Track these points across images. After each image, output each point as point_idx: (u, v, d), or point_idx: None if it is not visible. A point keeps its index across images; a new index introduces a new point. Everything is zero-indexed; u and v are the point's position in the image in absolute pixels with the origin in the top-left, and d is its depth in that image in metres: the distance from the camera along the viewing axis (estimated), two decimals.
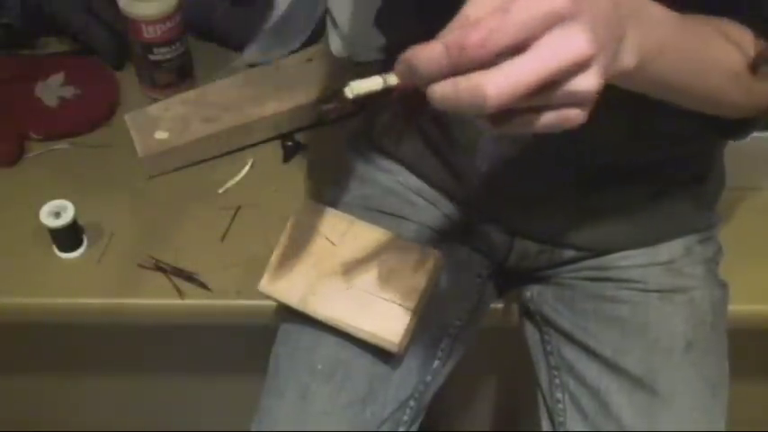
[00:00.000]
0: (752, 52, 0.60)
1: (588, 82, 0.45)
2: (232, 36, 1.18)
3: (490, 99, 0.43)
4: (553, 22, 0.44)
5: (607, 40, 0.46)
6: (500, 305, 0.97)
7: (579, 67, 0.44)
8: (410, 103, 0.49)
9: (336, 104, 0.50)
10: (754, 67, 0.60)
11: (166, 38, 1.06)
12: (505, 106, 0.44)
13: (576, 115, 0.46)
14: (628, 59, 0.50)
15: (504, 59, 0.44)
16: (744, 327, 0.94)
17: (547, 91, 0.45)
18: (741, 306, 0.92)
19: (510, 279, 0.93)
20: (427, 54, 0.44)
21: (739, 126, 0.68)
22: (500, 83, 0.43)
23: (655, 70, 0.54)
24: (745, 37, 0.61)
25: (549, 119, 0.46)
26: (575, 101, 0.46)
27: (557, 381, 0.85)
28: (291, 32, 0.54)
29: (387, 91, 0.47)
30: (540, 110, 0.46)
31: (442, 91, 0.44)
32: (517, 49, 0.44)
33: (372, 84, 0.48)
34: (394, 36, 0.88)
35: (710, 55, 0.59)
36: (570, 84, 0.45)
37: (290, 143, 1.08)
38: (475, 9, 0.45)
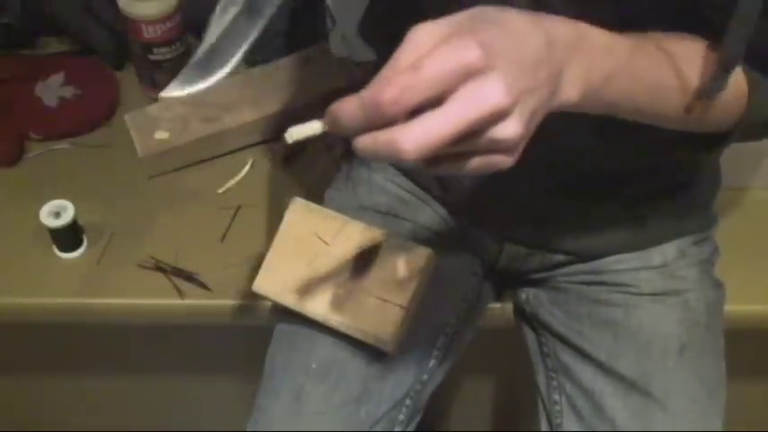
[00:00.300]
0: (696, 78, 0.59)
1: (508, 130, 0.46)
2: None
3: (406, 153, 0.44)
4: (466, 75, 0.44)
5: (532, 85, 0.47)
6: (499, 305, 0.97)
7: (497, 117, 0.45)
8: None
9: (282, 145, 0.51)
10: (700, 96, 0.59)
11: (166, 38, 1.06)
12: (424, 158, 0.45)
13: (501, 160, 0.48)
14: (569, 93, 0.51)
15: (422, 112, 0.44)
16: (741, 327, 0.94)
17: (468, 139, 0.46)
18: (738, 306, 0.92)
19: (506, 280, 0.93)
20: (347, 109, 0.45)
21: (713, 141, 0.67)
22: (415, 138, 0.44)
23: (605, 96, 0.54)
24: (703, 56, 0.60)
25: (475, 164, 0.48)
26: (497, 148, 0.47)
27: (554, 383, 0.85)
28: (215, 65, 0.55)
29: (326, 134, 0.49)
30: (466, 155, 0.47)
31: (363, 144, 0.46)
32: (435, 101, 0.45)
33: (311, 129, 0.49)
34: (377, 46, 0.88)
35: (665, 79, 0.59)
36: (490, 132, 0.46)
37: (280, 140, 1.08)
38: (405, 57, 0.46)
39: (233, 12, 0.55)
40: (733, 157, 0.68)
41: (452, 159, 0.48)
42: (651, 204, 0.83)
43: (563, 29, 0.51)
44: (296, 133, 0.50)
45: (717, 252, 0.89)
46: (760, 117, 0.64)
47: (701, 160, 0.84)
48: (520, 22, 0.48)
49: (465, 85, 0.44)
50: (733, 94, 0.61)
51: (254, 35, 0.56)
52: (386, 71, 0.46)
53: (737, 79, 0.61)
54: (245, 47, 0.55)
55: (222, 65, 0.55)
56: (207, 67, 0.55)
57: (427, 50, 0.45)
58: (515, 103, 0.45)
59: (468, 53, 0.44)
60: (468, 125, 0.44)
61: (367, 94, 0.45)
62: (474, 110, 0.44)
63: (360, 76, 1.07)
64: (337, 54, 1.11)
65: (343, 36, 1.09)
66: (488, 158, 0.47)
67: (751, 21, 0.55)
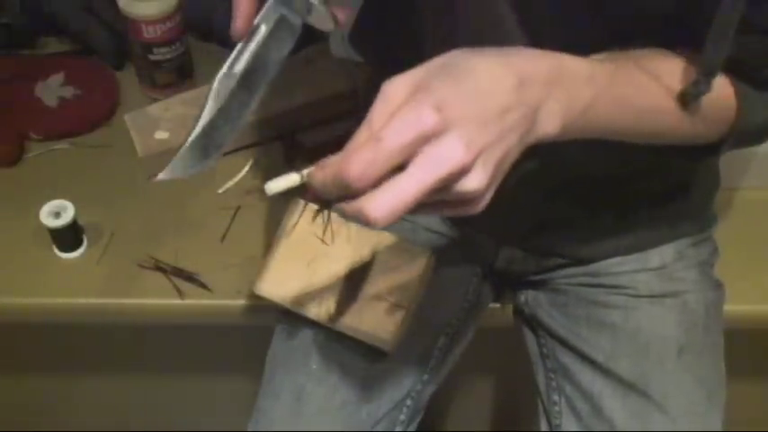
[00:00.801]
0: (679, 87, 0.60)
1: (471, 184, 0.48)
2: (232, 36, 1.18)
3: (375, 221, 0.47)
4: (425, 140, 0.46)
5: (496, 134, 0.48)
6: (498, 305, 0.97)
7: (458, 174, 0.47)
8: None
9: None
10: (683, 102, 0.59)
11: (166, 38, 1.06)
12: (393, 221, 0.47)
13: (470, 209, 0.50)
14: (548, 127, 0.52)
15: (387, 177, 0.47)
16: (740, 327, 0.94)
17: (436, 194, 0.47)
18: (737, 306, 0.92)
19: (505, 281, 0.93)
20: (319, 180, 0.48)
21: (704, 151, 0.67)
22: (380, 207, 0.46)
23: (588, 124, 0.55)
24: (685, 74, 0.60)
25: (446, 212, 0.50)
26: (464, 199, 0.49)
27: (553, 383, 0.85)
28: (212, 146, 0.55)
29: (305, 184, 0.52)
30: (436, 205, 0.49)
31: (339, 209, 0.48)
32: (398, 167, 0.47)
33: (289, 181, 0.52)
34: (367, 54, 0.88)
35: (648, 100, 0.59)
36: (456, 186, 0.47)
37: (288, 142, 1.08)
38: (378, 116, 0.48)
39: (229, 88, 0.56)
40: (724, 157, 0.68)
41: (424, 209, 0.49)
42: (648, 208, 0.83)
43: (539, 65, 0.52)
44: (275, 187, 0.52)
45: (716, 253, 0.89)
46: (751, 126, 0.64)
47: (698, 165, 0.84)
48: (487, 69, 0.49)
49: (424, 149, 0.46)
50: (720, 106, 0.61)
51: (248, 111, 0.56)
52: (361, 132, 0.48)
53: (726, 92, 0.62)
54: (240, 124, 0.56)
55: (219, 145, 0.55)
56: (205, 148, 0.55)
57: (398, 105, 0.47)
58: (476, 158, 0.47)
59: (426, 120, 0.46)
60: (429, 187, 0.46)
61: (333, 168, 0.47)
62: (434, 173, 0.46)
63: (359, 76, 1.07)
64: (337, 55, 1.11)
65: (343, 37, 1.08)
66: (457, 208, 0.50)
67: (730, 27, 0.55)
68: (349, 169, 0.46)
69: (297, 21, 0.58)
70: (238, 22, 0.57)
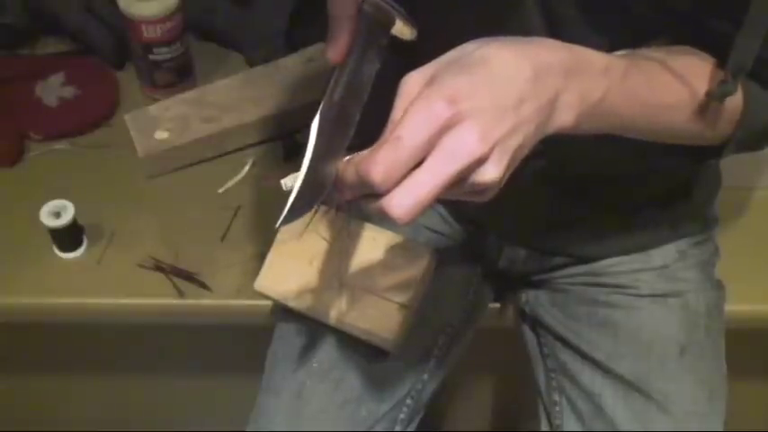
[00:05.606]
0: (704, 89, 0.59)
1: (487, 175, 0.48)
2: (232, 36, 1.18)
3: (398, 219, 0.47)
4: (441, 133, 0.46)
5: (511, 125, 0.48)
6: (498, 305, 0.97)
7: (475, 165, 0.47)
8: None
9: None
10: (711, 99, 0.59)
11: (166, 38, 1.06)
12: (416, 217, 0.47)
13: (481, 197, 0.50)
14: (564, 117, 0.52)
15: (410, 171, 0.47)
16: (742, 327, 0.94)
17: (454, 185, 0.48)
18: (738, 306, 0.92)
19: (506, 281, 0.93)
20: (348, 180, 0.49)
21: (711, 152, 0.67)
22: (403, 204, 0.47)
23: (602, 118, 0.55)
24: (701, 71, 0.60)
25: (458, 197, 0.51)
26: (479, 189, 0.49)
27: (554, 383, 0.85)
28: (323, 181, 0.54)
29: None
30: (451, 193, 0.50)
31: (364, 207, 0.49)
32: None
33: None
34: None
35: (663, 96, 0.59)
36: (472, 177, 0.48)
37: (288, 142, 1.08)
38: (399, 113, 0.48)
39: (330, 120, 0.55)
40: (737, 156, 0.68)
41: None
42: (650, 208, 0.83)
43: (556, 56, 0.51)
44: (290, 182, 0.52)
45: (717, 253, 0.89)
46: (755, 125, 0.64)
47: (700, 166, 0.84)
48: (502, 59, 0.49)
49: (440, 141, 0.47)
50: (731, 104, 0.61)
51: (348, 141, 0.55)
52: (386, 131, 0.48)
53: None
54: (341, 156, 0.55)
55: (327, 180, 0.53)
56: (316, 186, 0.54)
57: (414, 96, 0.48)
58: (492, 148, 0.47)
59: (439, 113, 0.46)
60: (448, 181, 0.47)
61: (360, 169, 0.47)
62: (451, 166, 0.46)
63: None
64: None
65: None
66: (469, 196, 0.50)
67: (761, 30, 0.55)
68: (372, 172, 0.46)
69: (382, 36, 0.58)
70: (339, 50, 0.56)
